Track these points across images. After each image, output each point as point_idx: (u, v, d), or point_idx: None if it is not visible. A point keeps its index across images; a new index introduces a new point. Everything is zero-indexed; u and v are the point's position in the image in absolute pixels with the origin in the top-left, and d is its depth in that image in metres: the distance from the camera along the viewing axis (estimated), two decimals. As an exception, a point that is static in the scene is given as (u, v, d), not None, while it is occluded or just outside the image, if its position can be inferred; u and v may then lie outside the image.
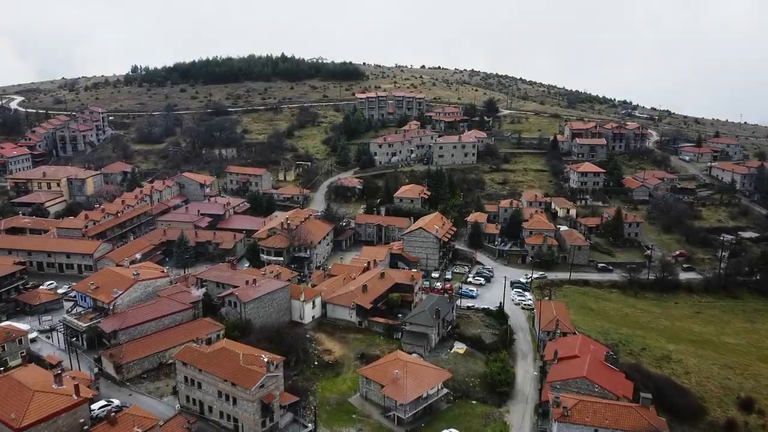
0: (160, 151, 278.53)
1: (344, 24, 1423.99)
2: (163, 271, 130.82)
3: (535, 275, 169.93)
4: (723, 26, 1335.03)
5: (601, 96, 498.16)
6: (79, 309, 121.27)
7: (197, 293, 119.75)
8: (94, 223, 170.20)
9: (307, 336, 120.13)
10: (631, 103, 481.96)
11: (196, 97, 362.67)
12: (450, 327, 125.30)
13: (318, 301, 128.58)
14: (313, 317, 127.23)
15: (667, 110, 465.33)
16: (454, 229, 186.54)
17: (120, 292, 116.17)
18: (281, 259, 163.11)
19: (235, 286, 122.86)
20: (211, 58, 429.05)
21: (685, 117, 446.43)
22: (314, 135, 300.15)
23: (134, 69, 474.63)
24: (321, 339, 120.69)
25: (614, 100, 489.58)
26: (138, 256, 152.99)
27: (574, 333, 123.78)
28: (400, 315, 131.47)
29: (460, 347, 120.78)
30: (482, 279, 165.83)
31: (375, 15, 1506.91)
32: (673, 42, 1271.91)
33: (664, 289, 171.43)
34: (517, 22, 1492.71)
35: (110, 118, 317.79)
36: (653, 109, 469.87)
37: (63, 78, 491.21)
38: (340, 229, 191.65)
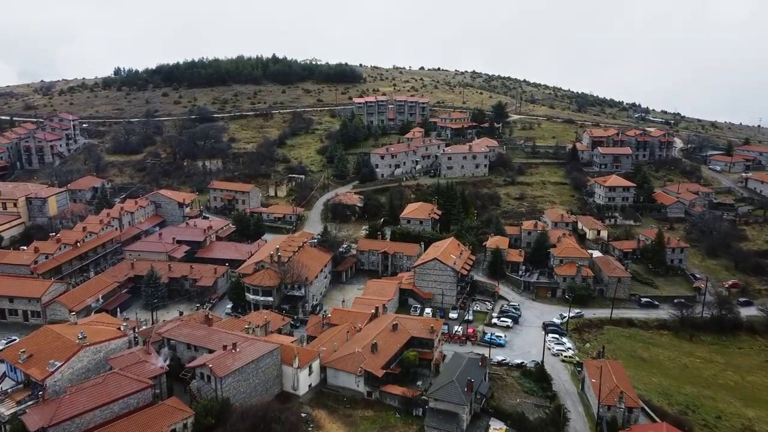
0: (137, 162, 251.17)
1: (338, 24, 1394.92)
2: (119, 328, 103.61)
3: (570, 314, 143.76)
4: (723, 26, 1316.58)
5: (608, 98, 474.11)
6: (10, 384, 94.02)
7: (160, 364, 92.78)
8: (47, 257, 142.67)
9: (303, 415, 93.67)
10: (640, 105, 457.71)
11: (179, 101, 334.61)
12: (483, 399, 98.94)
13: (316, 365, 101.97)
14: (309, 386, 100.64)
15: (678, 113, 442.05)
16: (473, 257, 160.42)
17: (59, 365, 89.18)
18: (270, 299, 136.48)
19: (210, 350, 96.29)
20: (197, 60, 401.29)
21: (700, 120, 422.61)
22: (308, 144, 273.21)
23: (117, 71, 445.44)
24: (320, 419, 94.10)
25: (623, 102, 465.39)
26: (92, 303, 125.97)
27: (644, 409, 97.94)
28: (419, 383, 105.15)
29: (498, 427, 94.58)
30: (509, 320, 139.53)
31: (370, 15, 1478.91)
32: (673, 42, 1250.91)
33: (722, 330, 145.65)
34: (517, 22, 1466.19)
35: (84, 125, 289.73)
36: (663, 112, 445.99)
37: (42, 81, 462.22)
38: (339, 258, 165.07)
